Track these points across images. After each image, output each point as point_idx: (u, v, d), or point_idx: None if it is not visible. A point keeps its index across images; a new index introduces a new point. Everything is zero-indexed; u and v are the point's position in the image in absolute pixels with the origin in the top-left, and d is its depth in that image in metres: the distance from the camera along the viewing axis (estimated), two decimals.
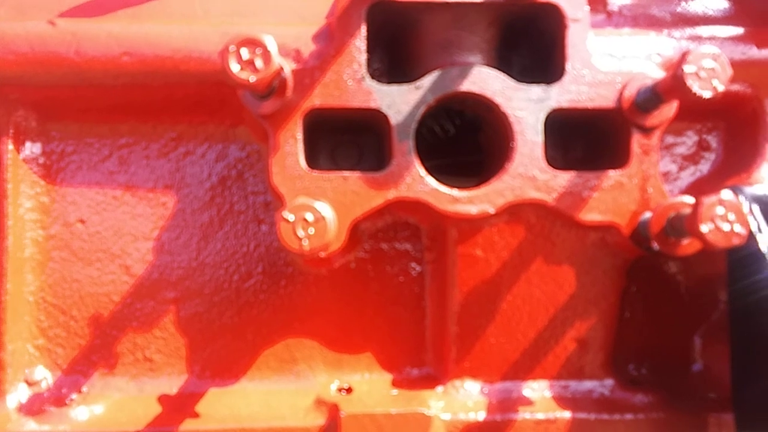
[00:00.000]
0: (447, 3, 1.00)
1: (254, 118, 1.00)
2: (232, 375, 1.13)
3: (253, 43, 0.83)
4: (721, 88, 0.90)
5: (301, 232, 0.88)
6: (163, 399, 1.11)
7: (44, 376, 1.10)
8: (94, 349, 1.12)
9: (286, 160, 0.98)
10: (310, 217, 0.88)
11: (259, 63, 0.84)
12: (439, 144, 1.22)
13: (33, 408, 1.07)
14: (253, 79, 0.84)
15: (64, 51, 1.02)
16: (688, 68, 0.90)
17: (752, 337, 1.02)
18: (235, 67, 0.84)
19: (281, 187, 0.98)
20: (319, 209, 0.89)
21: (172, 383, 1.12)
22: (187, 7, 1.08)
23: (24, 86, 1.05)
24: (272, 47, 0.84)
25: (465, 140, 1.23)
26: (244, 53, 0.83)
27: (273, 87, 0.92)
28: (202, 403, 1.10)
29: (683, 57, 0.90)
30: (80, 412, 1.07)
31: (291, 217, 0.88)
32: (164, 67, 1.03)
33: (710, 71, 0.90)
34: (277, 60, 0.84)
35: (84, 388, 1.10)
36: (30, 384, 1.09)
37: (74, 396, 1.09)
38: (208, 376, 1.13)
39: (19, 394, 1.08)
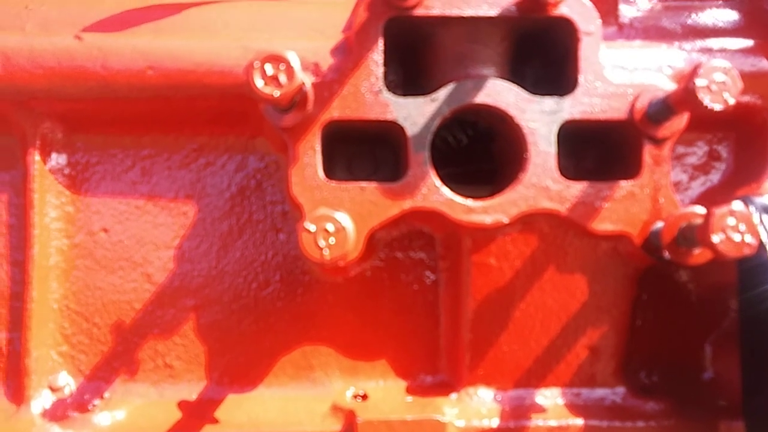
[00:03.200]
0: (462, 17, 1.02)
1: (273, 129, 1.02)
2: (250, 381, 1.15)
3: (277, 60, 0.86)
4: (731, 101, 0.92)
5: (322, 242, 0.90)
6: (183, 405, 1.13)
7: (67, 382, 1.12)
8: (116, 356, 1.14)
9: (305, 171, 1.01)
10: (330, 227, 0.91)
11: (282, 78, 0.86)
12: (451, 153, 1.24)
13: (57, 413, 1.10)
14: (276, 93, 0.86)
15: (91, 65, 1.05)
16: (699, 81, 0.91)
17: (763, 345, 1.03)
18: (259, 82, 0.86)
19: (300, 198, 1.00)
20: (339, 219, 0.91)
21: (192, 389, 1.15)
22: (208, 21, 1.11)
23: (51, 99, 1.08)
24: (295, 63, 0.86)
25: (477, 149, 1.25)
26: (269, 69, 0.86)
27: (295, 101, 0.95)
28: (221, 409, 1.12)
29: (695, 70, 0.92)
30: (103, 417, 1.10)
31: (312, 228, 0.90)
32: (187, 80, 1.05)
33: (721, 84, 0.92)
34: (300, 75, 0.87)
35: (106, 394, 1.13)
36: (54, 390, 1.11)
37: (97, 402, 1.12)
38: (226, 382, 1.15)
39: (43, 400, 1.10)
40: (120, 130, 1.14)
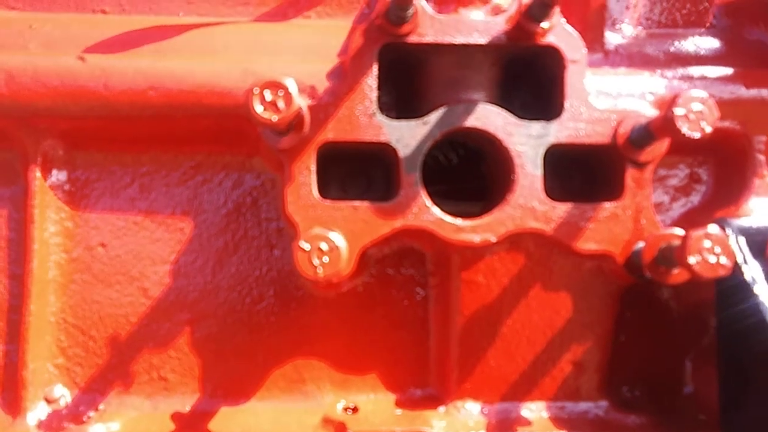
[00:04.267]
0: (453, 45, 1.07)
1: (270, 149, 1.05)
2: (243, 394, 1.17)
3: (276, 86, 0.89)
4: (708, 129, 0.96)
5: (316, 261, 0.94)
6: (176, 417, 1.15)
7: (63, 394, 1.14)
8: (111, 368, 1.16)
9: (300, 190, 1.04)
10: (324, 246, 0.94)
11: (281, 104, 0.90)
12: (442, 170, 1.27)
13: (52, 425, 1.11)
14: (275, 118, 0.90)
15: (94, 85, 1.08)
16: (678, 111, 0.96)
17: (739, 362, 1.07)
18: (258, 108, 0.90)
19: (295, 216, 1.03)
20: (333, 239, 0.94)
21: (186, 402, 1.16)
22: (208, 43, 1.14)
23: (54, 117, 1.10)
24: (293, 89, 0.90)
25: (467, 167, 1.29)
26: (267, 95, 0.90)
27: (292, 124, 0.98)
28: (214, 422, 1.14)
29: (674, 100, 0.96)
30: (97, 429, 1.12)
31: (307, 247, 0.94)
32: (187, 101, 1.08)
33: (699, 114, 0.96)
34: (298, 101, 0.90)
35: (101, 406, 1.15)
36: (49, 402, 1.13)
37: (91, 413, 1.13)
38: (220, 395, 1.17)
39: (39, 412, 1.12)
40: (120, 148, 1.17)
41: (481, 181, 1.27)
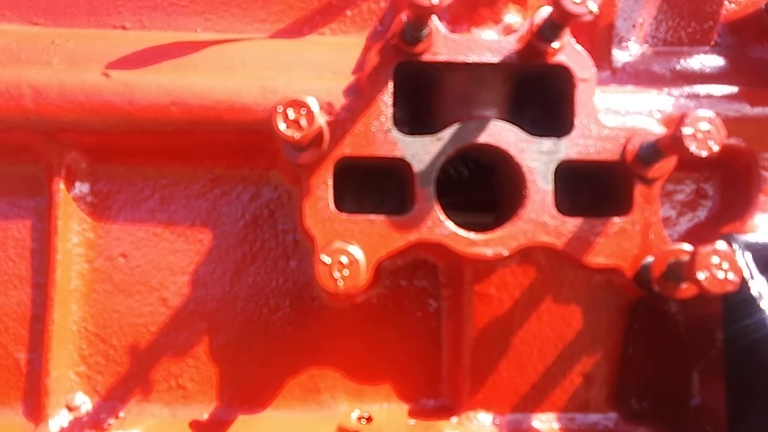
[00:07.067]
0: (466, 63, 1.09)
1: (287, 162, 1.08)
2: (260, 403, 1.19)
3: (299, 105, 0.92)
4: (716, 148, 0.98)
5: (336, 274, 0.96)
6: (194, 425, 1.17)
7: (83, 402, 1.16)
8: (131, 377, 1.18)
9: (317, 203, 1.06)
10: (344, 260, 0.96)
11: (303, 122, 0.93)
12: (452, 183, 1.30)
13: None
14: (297, 136, 0.93)
15: (119, 101, 1.10)
16: (686, 130, 0.98)
17: (746, 375, 1.08)
18: (282, 125, 0.93)
19: (313, 229, 1.06)
20: (352, 252, 0.97)
21: (204, 410, 1.18)
22: (226, 59, 1.16)
23: (78, 132, 1.13)
24: (315, 108, 0.93)
25: (477, 180, 1.31)
26: (291, 113, 0.93)
27: (313, 141, 1.01)
28: (231, 430, 1.16)
29: (682, 119, 0.99)
30: None
31: (328, 260, 0.96)
32: (208, 116, 1.11)
33: (706, 133, 0.98)
34: (320, 120, 0.93)
35: (121, 414, 1.16)
36: (71, 409, 1.15)
37: (112, 421, 1.15)
38: (237, 403, 1.19)
39: (60, 419, 1.14)
40: (141, 161, 1.20)
41: (490, 193, 1.30)
